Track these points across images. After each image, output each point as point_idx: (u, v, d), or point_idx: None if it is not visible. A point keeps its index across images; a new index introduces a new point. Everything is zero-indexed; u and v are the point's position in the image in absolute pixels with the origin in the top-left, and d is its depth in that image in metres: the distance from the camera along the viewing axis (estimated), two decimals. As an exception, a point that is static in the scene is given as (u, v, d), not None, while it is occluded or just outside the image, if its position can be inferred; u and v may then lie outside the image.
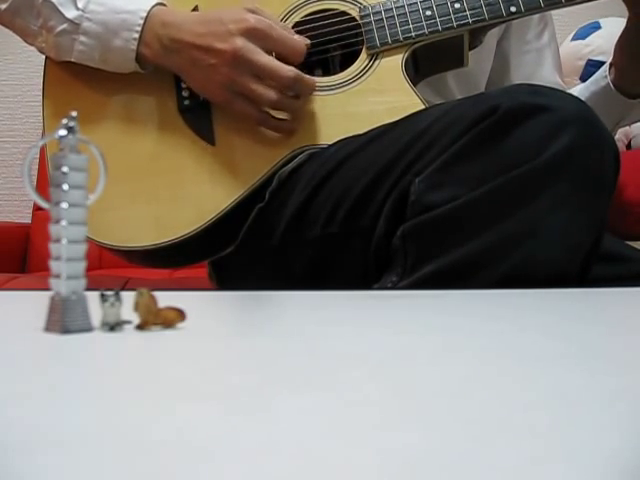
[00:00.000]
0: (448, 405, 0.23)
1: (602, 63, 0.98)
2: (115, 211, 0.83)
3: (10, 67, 2.22)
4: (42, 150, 1.08)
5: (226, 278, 0.93)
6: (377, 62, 0.85)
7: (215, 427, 0.20)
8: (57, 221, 0.35)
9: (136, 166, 0.85)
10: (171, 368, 0.29)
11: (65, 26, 0.83)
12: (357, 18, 0.87)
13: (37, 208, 2.01)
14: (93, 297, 0.35)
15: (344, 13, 0.87)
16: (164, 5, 0.84)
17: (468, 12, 0.83)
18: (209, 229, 0.82)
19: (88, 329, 0.35)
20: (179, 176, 0.84)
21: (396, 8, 0.85)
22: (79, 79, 0.88)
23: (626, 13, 0.87)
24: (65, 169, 0.35)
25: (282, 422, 0.20)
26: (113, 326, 0.35)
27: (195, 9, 0.88)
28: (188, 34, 0.80)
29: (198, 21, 0.81)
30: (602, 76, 0.94)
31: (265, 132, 0.82)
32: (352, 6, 0.87)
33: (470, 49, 0.87)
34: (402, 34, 0.84)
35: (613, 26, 1.54)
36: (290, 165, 0.82)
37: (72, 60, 0.85)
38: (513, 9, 0.83)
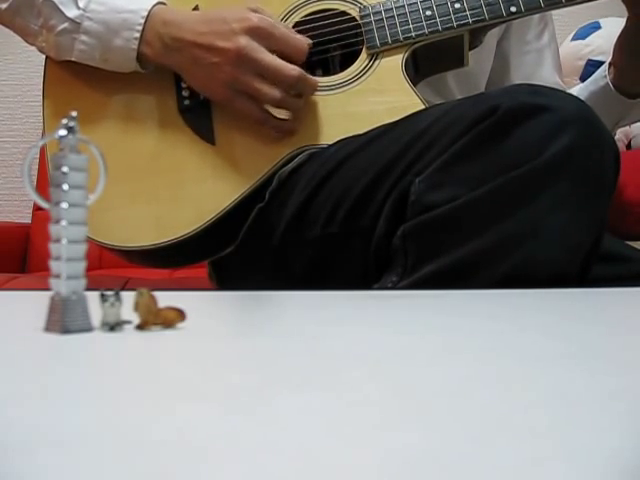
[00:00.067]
0: (448, 405, 0.23)
1: (602, 63, 0.98)
2: (115, 211, 0.83)
3: (10, 67, 2.22)
4: (42, 150, 1.08)
5: (226, 278, 0.93)
6: (377, 62, 0.84)
7: (215, 427, 0.20)
8: (57, 221, 0.35)
9: (136, 166, 0.85)
10: (171, 368, 0.29)
11: (66, 25, 0.83)
12: (357, 18, 0.86)
13: (37, 208, 2.01)
14: (93, 297, 0.35)
15: (344, 13, 0.87)
16: (165, 4, 0.84)
17: (468, 12, 0.83)
18: (209, 229, 0.82)
19: (88, 329, 0.35)
20: (179, 176, 0.84)
21: (396, 8, 0.85)
22: (79, 79, 0.88)
23: (626, 13, 0.87)
24: (65, 169, 0.35)
25: (282, 422, 0.20)
26: (113, 326, 0.35)
27: (196, 8, 0.88)
28: (189, 33, 0.80)
29: (200, 20, 0.81)
30: (601, 76, 0.94)
31: (265, 132, 0.82)
32: (352, 6, 0.87)
33: (470, 49, 0.87)
34: (402, 34, 0.84)
35: (613, 26, 1.53)
36: (290, 165, 0.82)
37: (72, 59, 0.85)
38: (513, 9, 0.83)
